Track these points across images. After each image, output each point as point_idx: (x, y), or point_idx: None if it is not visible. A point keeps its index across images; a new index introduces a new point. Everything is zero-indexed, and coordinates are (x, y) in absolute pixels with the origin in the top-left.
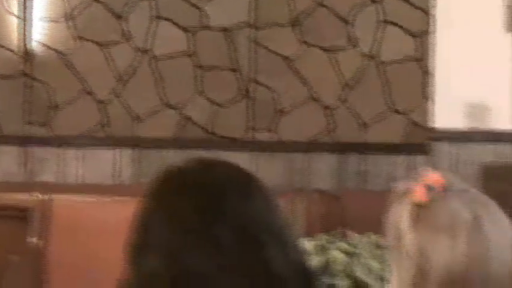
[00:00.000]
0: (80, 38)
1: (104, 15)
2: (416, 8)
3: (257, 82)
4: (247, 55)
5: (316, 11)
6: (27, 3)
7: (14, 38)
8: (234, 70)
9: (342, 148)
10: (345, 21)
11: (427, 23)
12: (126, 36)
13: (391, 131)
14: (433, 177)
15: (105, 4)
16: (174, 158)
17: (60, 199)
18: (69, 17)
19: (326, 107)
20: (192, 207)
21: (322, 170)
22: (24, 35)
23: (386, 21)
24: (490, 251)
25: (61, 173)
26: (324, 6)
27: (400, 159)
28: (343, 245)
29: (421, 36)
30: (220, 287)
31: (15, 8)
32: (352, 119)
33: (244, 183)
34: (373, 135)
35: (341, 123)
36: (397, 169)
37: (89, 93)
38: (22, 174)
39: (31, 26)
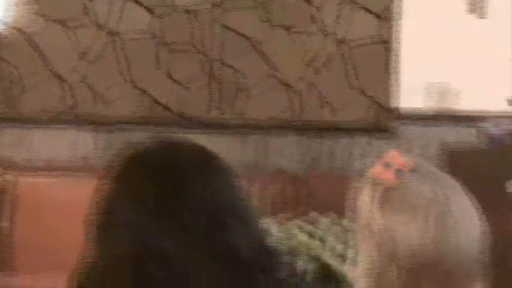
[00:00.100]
0: (45, 18)
1: None
2: None
3: (222, 63)
4: (212, 36)
5: None
6: None
7: None
8: (199, 51)
9: (307, 129)
10: (309, 2)
11: (392, 4)
12: (92, 17)
13: (356, 113)
14: (400, 159)
15: None
16: (139, 138)
17: (26, 180)
18: None
19: (290, 88)
20: (155, 188)
21: (287, 151)
22: None
23: (351, 2)
24: (457, 232)
25: (26, 154)
26: None
27: (365, 141)
28: (310, 228)
29: (385, 17)
30: (183, 267)
31: None
32: (317, 100)
33: (206, 163)
34: (338, 117)
35: (306, 104)
36: (363, 151)
37: (54, 73)
38: None
39: None
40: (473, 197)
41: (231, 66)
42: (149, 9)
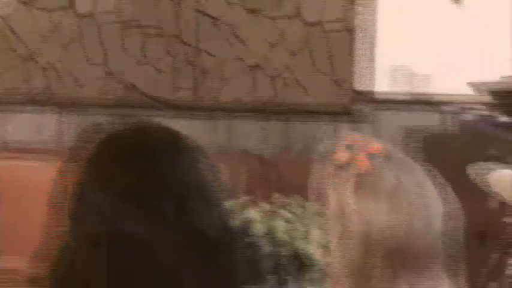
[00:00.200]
0: (24, 2)
1: None
2: None
3: (200, 49)
4: (190, 22)
5: None
6: None
7: None
8: (177, 37)
9: (275, 112)
10: None
11: None
12: (70, 1)
13: (324, 96)
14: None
15: None
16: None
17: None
18: None
19: (260, 71)
20: (125, 173)
21: (254, 134)
22: None
23: None
24: (430, 218)
25: (2, 138)
26: None
27: (332, 125)
28: (283, 213)
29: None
30: (156, 251)
31: None
32: (286, 83)
33: (174, 145)
34: (306, 100)
35: (275, 88)
36: (335, 136)
37: (32, 58)
38: None
39: None
40: (446, 182)
41: (209, 53)
42: None
